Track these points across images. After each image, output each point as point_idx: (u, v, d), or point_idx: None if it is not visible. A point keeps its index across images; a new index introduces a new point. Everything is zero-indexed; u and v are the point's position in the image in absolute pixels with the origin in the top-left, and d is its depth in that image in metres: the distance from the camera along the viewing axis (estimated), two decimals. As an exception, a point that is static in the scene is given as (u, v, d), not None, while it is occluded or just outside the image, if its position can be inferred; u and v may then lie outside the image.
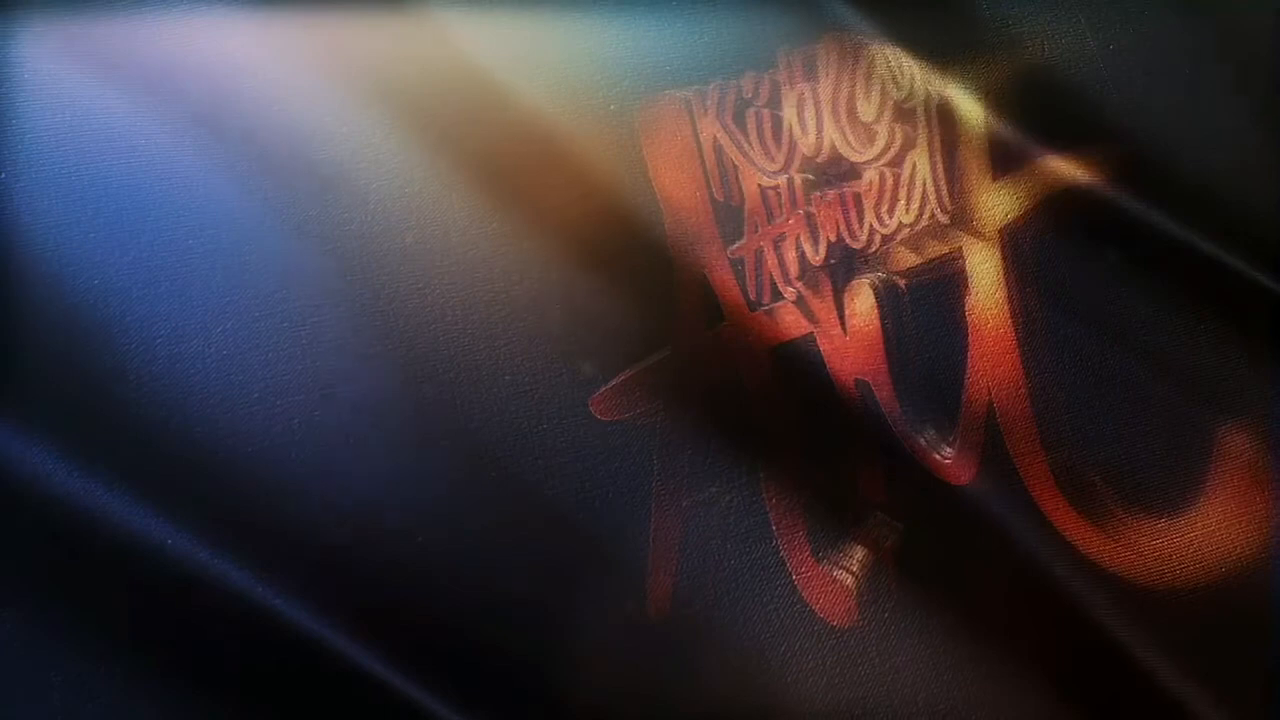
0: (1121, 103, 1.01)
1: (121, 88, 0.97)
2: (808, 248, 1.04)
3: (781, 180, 1.04)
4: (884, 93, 1.02)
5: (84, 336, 0.97)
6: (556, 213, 1.01)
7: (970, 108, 1.02)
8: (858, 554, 1.04)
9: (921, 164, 1.03)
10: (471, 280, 1.00)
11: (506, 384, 1.00)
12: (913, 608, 1.04)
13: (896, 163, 1.03)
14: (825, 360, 1.05)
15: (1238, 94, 1.00)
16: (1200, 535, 1.01)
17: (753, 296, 1.05)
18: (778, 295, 1.06)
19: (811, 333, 1.05)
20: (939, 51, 1.02)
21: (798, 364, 1.04)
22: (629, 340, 1.02)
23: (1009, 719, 1.04)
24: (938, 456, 1.04)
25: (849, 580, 1.03)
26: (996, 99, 1.03)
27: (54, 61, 0.97)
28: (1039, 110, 1.02)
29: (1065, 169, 1.02)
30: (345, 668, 0.98)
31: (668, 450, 1.02)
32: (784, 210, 1.05)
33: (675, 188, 1.03)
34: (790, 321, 1.06)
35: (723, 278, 1.04)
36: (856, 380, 1.05)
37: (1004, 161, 1.02)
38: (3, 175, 0.97)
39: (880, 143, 1.03)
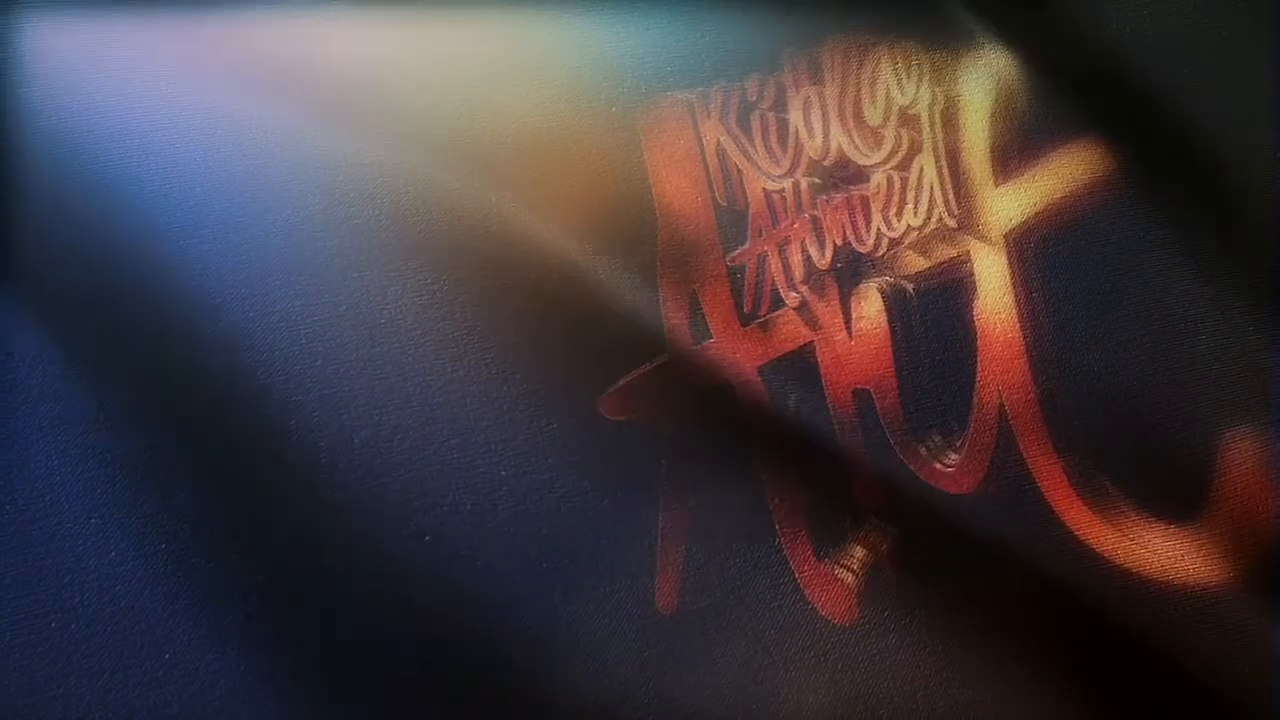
0: (1121, 102, 1.01)
1: (127, 81, 0.99)
2: (814, 251, 1.04)
3: (787, 184, 1.04)
4: (889, 97, 1.02)
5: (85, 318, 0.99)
6: (558, 215, 1.02)
7: (972, 113, 1.03)
8: (858, 553, 1.04)
9: (929, 168, 1.03)
10: (478, 278, 1.01)
11: (516, 382, 1.01)
12: (912, 607, 1.04)
13: (904, 166, 1.03)
14: (822, 372, 1.05)
15: (1236, 91, 1.01)
16: (1210, 537, 1.01)
17: (748, 309, 1.05)
18: (779, 303, 1.05)
19: (811, 342, 1.05)
20: (940, 55, 1.03)
21: (788, 382, 1.05)
22: (630, 344, 1.03)
23: (1009, 715, 1.04)
24: (938, 466, 1.03)
25: (850, 579, 1.03)
26: (997, 104, 1.03)
27: (64, 54, 0.99)
28: (1039, 114, 1.03)
29: (1066, 173, 1.02)
30: (356, 657, 0.99)
31: (673, 452, 1.03)
32: (789, 214, 1.05)
33: (676, 193, 1.03)
34: (788, 332, 1.05)
35: (715, 291, 1.04)
36: (855, 390, 1.05)
37: (1006, 167, 1.02)
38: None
39: (888, 146, 1.03)
